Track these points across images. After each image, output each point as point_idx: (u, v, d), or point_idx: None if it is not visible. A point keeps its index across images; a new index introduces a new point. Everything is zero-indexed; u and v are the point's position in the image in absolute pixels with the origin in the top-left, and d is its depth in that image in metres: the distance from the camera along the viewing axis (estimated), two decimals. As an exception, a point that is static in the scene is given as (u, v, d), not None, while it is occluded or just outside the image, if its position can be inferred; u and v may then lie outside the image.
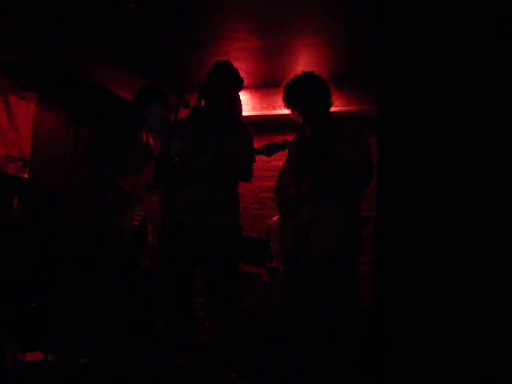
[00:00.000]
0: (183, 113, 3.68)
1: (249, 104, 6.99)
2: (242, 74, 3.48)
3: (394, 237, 3.18)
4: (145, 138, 4.45)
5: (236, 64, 5.42)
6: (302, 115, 3.59)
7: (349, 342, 3.26)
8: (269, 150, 3.54)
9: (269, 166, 7.12)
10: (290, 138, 3.70)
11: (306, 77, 3.64)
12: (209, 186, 3.51)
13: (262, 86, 6.91)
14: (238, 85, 3.72)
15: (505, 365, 2.87)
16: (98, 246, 4.29)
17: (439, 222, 3.06)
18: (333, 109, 3.67)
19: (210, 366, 3.54)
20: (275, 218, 6.21)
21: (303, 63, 6.16)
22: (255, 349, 4.56)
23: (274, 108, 6.89)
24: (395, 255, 3.16)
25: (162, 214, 3.60)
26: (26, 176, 5.62)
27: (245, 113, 6.60)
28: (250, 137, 3.73)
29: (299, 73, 3.67)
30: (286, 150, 3.66)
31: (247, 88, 6.92)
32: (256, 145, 3.76)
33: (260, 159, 3.77)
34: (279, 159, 7.27)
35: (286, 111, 3.98)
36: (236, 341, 4.42)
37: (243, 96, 6.95)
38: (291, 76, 3.68)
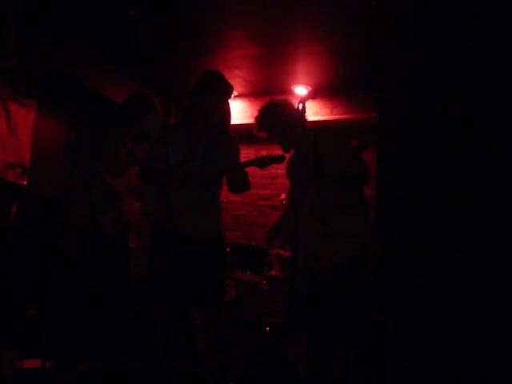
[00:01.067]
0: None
1: (247, 112, 7.00)
2: (241, 82, 3.49)
3: (394, 244, 3.16)
4: (128, 143, 4.49)
5: (235, 72, 5.46)
6: (279, 144, 3.68)
7: (352, 352, 3.26)
8: (262, 162, 3.52)
9: (267, 174, 7.14)
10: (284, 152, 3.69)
11: (269, 109, 3.76)
12: (194, 192, 3.50)
13: (261, 94, 6.91)
14: (227, 93, 3.71)
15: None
16: (83, 247, 4.28)
17: (442, 229, 3.04)
18: (333, 117, 3.69)
19: (207, 375, 3.52)
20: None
21: (303, 71, 6.19)
22: (254, 357, 4.55)
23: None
24: (396, 264, 3.14)
25: (151, 220, 3.59)
26: (25, 183, 5.62)
27: (243, 121, 6.71)
28: (237, 148, 3.71)
29: (264, 105, 3.80)
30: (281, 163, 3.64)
31: (246, 96, 6.94)
32: (252, 154, 3.76)
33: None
34: (277, 167, 7.31)
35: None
36: (234, 349, 4.41)
37: (242, 104, 7.03)
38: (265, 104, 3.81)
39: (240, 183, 3.62)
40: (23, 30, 4.79)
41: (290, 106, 3.70)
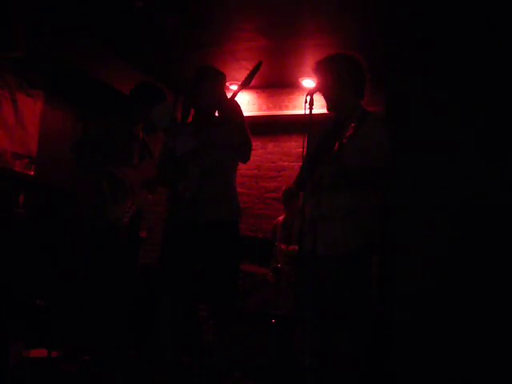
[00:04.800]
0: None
1: (255, 104, 7.01)
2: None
3: (401, 235, 3.13)
4: (141, 134, 4.47)
5: (243, 64, 5.44)
6: (326, 99, 3.43)
7: (356, 343, 3.24)
8: (248, 81, 3.50)
9: (274, 167, 7.14)
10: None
11: (342, 58, 3.45)
12: (203, 178, 3.52)
13: (269, 87, 6.91)
14: (220, 79, 3.75)
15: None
16: (94, 238, 4.27)
17: (452, 218, 3.01)
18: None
19: (213, 366, 3.53)
20: (280, 217, 6.22)
21: (311, 64, 6.16)
22: (259, 349, 4.56)
23: (281, 108, 6.90)
24: (402, 255, 3.12)
25: (166, 212, 3.61)
26: (32, 173, 5.64)
27: (251, 113, 6.71)
28: (239, 117, 3.67)
29: (338, 51, 3.49)
30: None
31: (254, 88, 6.93)
32: (260, 146, 3.77)
33: (266, 160, 3.76)
34: (285, 159, 7.33)
35: (292, 111, 4.00)
36: (240, 340, 4.42)
37: (250, 96, 7.02)
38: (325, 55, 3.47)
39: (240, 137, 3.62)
40: (31, 21, 4.79)
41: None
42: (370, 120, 3.34)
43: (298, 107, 6.73)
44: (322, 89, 3.37)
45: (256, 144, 4.95)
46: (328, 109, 3.48)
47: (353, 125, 3.17)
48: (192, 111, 3.75)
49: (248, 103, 6.89)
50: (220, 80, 3.78)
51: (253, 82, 3.59)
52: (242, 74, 3.83)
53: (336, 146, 3.18)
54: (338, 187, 3.24)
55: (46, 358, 3.77)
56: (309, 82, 6.47)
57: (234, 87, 5.50)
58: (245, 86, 3.48)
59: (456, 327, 2.89)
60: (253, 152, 3.70)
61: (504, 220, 2.88)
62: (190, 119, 3.75)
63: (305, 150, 3.08)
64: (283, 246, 5.57)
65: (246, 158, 3.71)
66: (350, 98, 3.45)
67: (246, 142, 3.63)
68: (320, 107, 3.40)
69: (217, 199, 3.57)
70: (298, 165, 6.83)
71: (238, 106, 3.63)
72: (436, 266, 2.97)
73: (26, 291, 5.11)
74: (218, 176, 3.60)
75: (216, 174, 3.59)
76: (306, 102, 3.26)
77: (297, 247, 3.37)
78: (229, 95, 3.60)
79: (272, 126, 6.88)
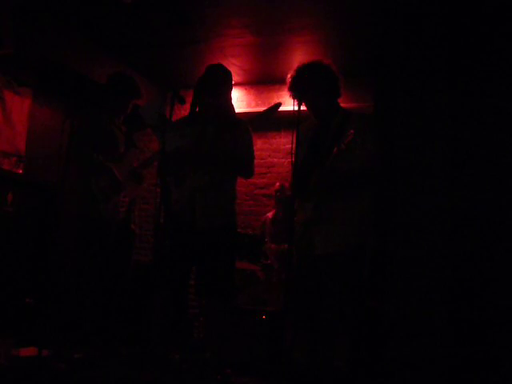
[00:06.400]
0: (181, 109, 3.71)
1: (244, 101, 7.00)
2: (237, 71, 3.49)
3: (393, 233, 3.15)
4: (123, 126, 4.46)
5: (231, 61, 5.44)
6: (307, 107, 3.48)
7: (349, 340, 3.25)
8: (268, 115, 3.51)
9: (263, 163, 7.14)
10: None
11: (312, 66, 3.50)
12: (204, 178, 3.54)
13: (257, 83, 6.91)
14: (228, 85, 3.72)
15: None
16: (85, 235, 4.25)
17: (444, 217, 3.03)
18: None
19: (204, 362, 3.54)
20: (269, 214, 6.23)
21: (298, 60, 6.16)
22: (250, 345, 4.57)
23: (270, 105, 6.89)
24: (395, 252, 3.14)
25: (159, 209, 3.61)
26: (21, 172, 5.62)
27: (240, 109, 6.69)
28: (249, 134, 3.73)
29: (306, 61, 3.53)
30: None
31: (242, 85, 6.93)
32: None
33: (255, 156, 3.77)
34: (273, 156, 7.33)
35: (281, 108, 3.99)
36: (230, 337, 4.43)
37: (238, 93, 7.01)
38: (297, 65, 3.54)
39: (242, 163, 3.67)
40: (19, 18, 4.77)
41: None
42: (355, 122, 3.37)
43: (286, 104, 6.72)
44: (302, 100, 3.39)
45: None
46: (311, 116, 3.51)
47: (352, 131, 3.19)
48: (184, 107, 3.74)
49: (237, 100, 6.88)
50: (227, 88, 3.77)
51: (241, 79, 3.60)
52: (232, 71, 3.83)
53: (333, 151, 3.21)
54: (331, 191, 3.28)
55: (36, 356, 3.76)
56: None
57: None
58: (258, 120, 3.49)
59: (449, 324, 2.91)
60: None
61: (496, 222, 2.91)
62: (178, 114, 3.74)
63: (293, 146, 3.10)
64: (273, 246, 5.58)
65: (249, 175, 3.75)
66: (328, 104, 3.49)
67: (251, 159, 3.69)
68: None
69: (213, 209, 3.59)
70: (287, 161, 6.86)
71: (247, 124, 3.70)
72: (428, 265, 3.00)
73: (16, 289, 5.10)
74: (214, 189, 3.61)
75: (212, 188, 3.60)
76: (292, 98, 3.28)
77: (287, 246, 3.38)
78: None
79: (261, 123, 6.88)
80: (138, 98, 4.36)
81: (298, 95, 3.36)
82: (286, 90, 3.54)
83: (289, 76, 3.53)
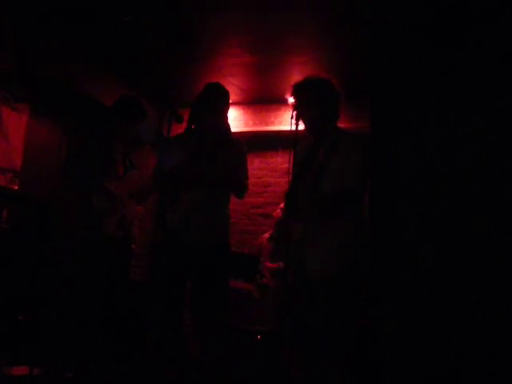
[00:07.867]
0: (179, 128, 3.71)
1: (241, 120, 7.02)
2: (235, 90, 3.51)
3: (389, 249, 3.15)
4: (121, 146, 4.45)
5: (230, 80, 5.45)
6: (303, 121, 3.43)
7: (343, 360, 3.23)
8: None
9: (260, 182, 7.15)
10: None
11: (320, 82, 3.49)
12: (199, 196, 3.55)
13: (255, 103, 6.93)
14: (225, 103, 3.76)
15: None
16: (84, 252, 4.22)
17: (438, 231, 3.03)
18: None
19: (201, 381, 3.52)
20: (266, 234, 6.21)
21: (296, 80, 6.19)
22: (244, 364, 4.53)
23: (267, 124, 6.92)
24: (391, 268, 3.12)
25: (155, 226, 3.61)
26: (16, 187, 5.60)
27: (237, 128, 6.71)
28: (244, 153, 3.75)
29: (313, 75, 3.54)
30: None
31: (240, 104, 6.95)
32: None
33: (252, 175, 3.78)
34: (270, 175, 7.34)
35: (278, 127, 4.01)
36: (226, 356, 4.39)
37: (236, 112, 7.03)
38: (304, 76, 3.55)
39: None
40: (18, 34, 4.78)
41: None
42: (345, 142, 3.35)
43: (284, 123, 6.75)
44: (299, 115, 3.38)
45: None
46: (307, 134, 3.51)
47: (321, 151, 3.20)
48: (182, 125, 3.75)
49: (234, 119, 6.90)
50: (224, 107, 3.82)
51: (239, 98, 3.62)
52: (229, 90, 3.85)
53: (313, 172, 3.22)
54: (318, 212, 3.27)
55: (28, 375, 3.72)
56: (295, 99, 6.50)
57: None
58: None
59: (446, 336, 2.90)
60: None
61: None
62: (175, 133, 3.74)
63: (291, 165, 3.10)
64: (269, 264, 5.56)
65: (241, 194, 3.75)
66: (324, 122, 3.48)
67: (245, 178, 3.71)
68: (306, 123, 3.43)
69: (207, 226, 3.59)
70: (284, 180, 6.86)
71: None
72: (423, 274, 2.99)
73: (9, 307, 5.05)
74: (208, 207, 3.61)
75: (207, 206, 3.60)
76: (292, 117, 3.28)
77: (282, 264, 3.37)
78: None
79: (258, 142, 6.89)
80: (143, 121, 4.36)
81: (297, 102, 3.41)
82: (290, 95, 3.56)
83: (293, 85, 3.56)
